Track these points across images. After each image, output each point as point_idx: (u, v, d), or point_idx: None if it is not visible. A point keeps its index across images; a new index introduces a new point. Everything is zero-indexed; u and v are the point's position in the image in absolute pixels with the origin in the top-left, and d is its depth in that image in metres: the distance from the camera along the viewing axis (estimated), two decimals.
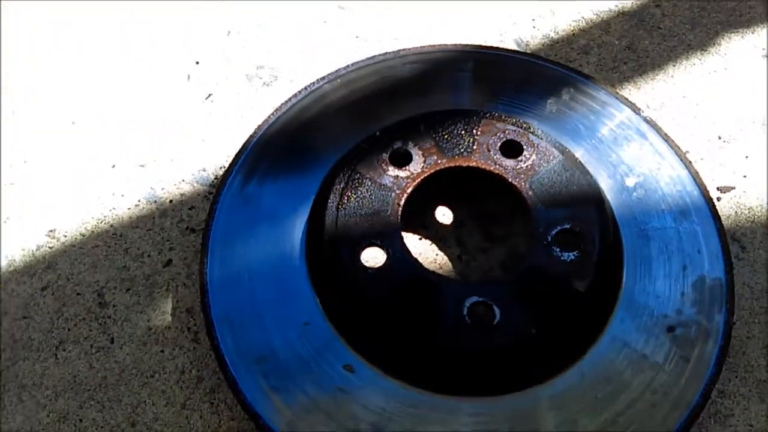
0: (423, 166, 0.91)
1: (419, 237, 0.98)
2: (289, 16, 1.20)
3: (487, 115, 0.94)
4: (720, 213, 0.95)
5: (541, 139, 0.92)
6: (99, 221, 1.01)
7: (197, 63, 1.15)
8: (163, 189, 1.03)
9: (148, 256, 0.98)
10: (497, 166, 0.90)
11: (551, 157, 0.90)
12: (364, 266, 0.84)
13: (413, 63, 1.06)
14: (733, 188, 0.98)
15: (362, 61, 1.07)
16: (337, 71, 1.06)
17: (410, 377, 0.80)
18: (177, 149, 1.06)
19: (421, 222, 0.99)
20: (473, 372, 0.80)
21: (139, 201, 1.02)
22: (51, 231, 1.01)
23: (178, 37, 1.18)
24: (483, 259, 0.95)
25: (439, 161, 0.91)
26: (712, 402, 0.84)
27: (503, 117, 0.94)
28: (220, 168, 1.04)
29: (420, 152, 0.92)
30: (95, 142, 1.07)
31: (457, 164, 0.91)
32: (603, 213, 0.86)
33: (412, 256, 0.85)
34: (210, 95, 1.11)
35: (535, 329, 0.80)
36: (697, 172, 0.93)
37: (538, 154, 0.91)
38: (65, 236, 1.00)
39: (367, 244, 0.86)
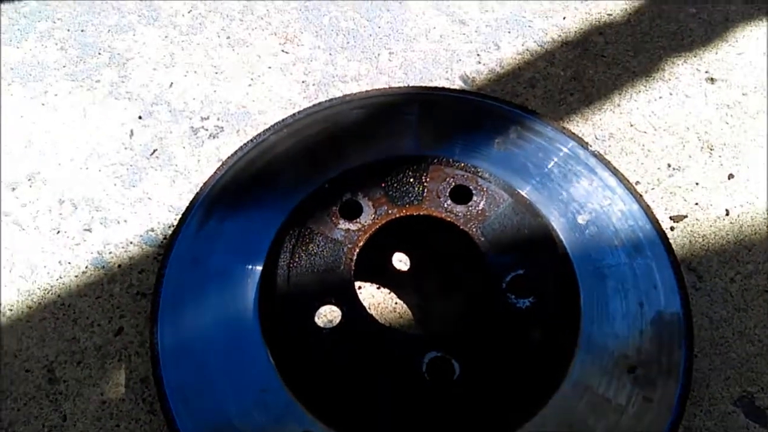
0: (374, 218, 0.90)
1: (377, 286, 0.96)
2: (231, 64, 1.18)
3: (435, 161, 0.94)
4: (674, 243, 0.96)
5: (490, 182, 0.91)
6: (45, 292, 0.97)
7: (140, 118, 1.12)
8: (110, 253, 1.00)
9: (98, 325, 0.95)
10: (448, 213, 0.89)
11: (501, 201, 0.90)
12: (318, 327, 0.82)
13: (360, 108, 1.04)
14: (686, 217, 0.99)
15: (308, 108, 1.06)
16: (283, 120, 1.04)
17: None
18: (123, 210, 1.03)
19: (379, 270, 0.97)
20: (435, 429, 0.78)
21: (86, 268, 0.99)
22: None
23: (117, 91, 1.15)
24: (442, 305, 0.94)
25: (389, 211, 0.90)
26: None
27: (451, 162, 0.94)
28: (169, 227, 1.01)
29: (370, 203, 0.91)
30: (37, 207, 1.04)
31: (408, 213, 0.90)
32: (555, 256, 0.86)
33: (367, 313, 0.83)
34: (155, 151, 1.09)
35: (496, 381, 0.79)
36: (648, 205, 0.93)
37: (487, 199, 0.90)
38: (10, 310, 0.96)
39: (321, 303, 0.84)
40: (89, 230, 1.02)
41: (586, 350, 0.83)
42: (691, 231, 0.98)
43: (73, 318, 0.95)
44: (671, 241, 0.95)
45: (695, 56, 1.16)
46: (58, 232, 1.02)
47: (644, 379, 0.81)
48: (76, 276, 0.98)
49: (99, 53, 1.21)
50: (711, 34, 1.19)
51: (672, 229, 0.98)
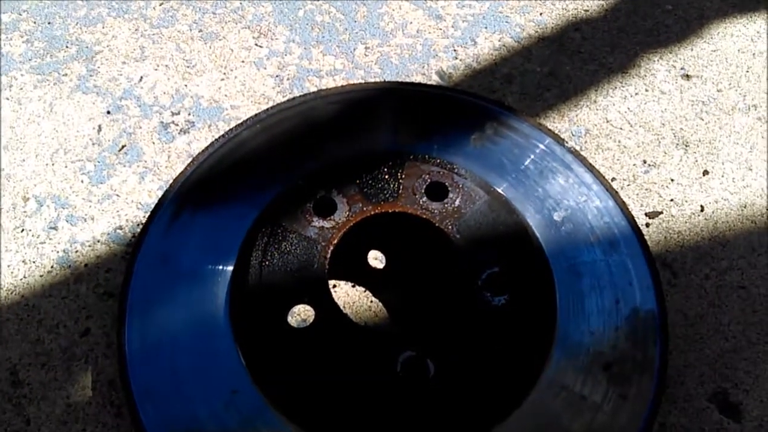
0: (348, 215, 0.88)
1: (352, 285, 0.95)
2: (203, 57, 1.16)
3: (411, 157, 0.92)
4: (649, 239, 0.96)
5: (466, 179, 0.90)
6: (9, 292, 0.94)
7: (108, 113, 1.09)
8: (77, 252, 0.97)
9: (64, 326, 0.92)
10: (423, 210, 0.88)
11: (477, 198, 0.88)
12: (291, 327, 0.80)
13: (335, 103, 1.03)
14: (661, 213, 0.99)
15: (282, 103, 1.04)
16: (256, 115, 1.02)
17: None
18: (90, 207, 1.00)
19: (354, 268, 0.95)
20: (410, 430, 0.77)
21: (52, 267, 0.96)
22: None
23: (85, 85, 1.12)
24: (417, 304, 0.93)
25: (364, 208, 0.88)
26: None
27: (427, 158, 0.92)
28: (138, 225, 0.99)
29: (345, 200, 0.89)
30: (1, 205, 1.01)
31: (383, 210, 0.88)
32: (531, 254, 0.85)
33: (341, 312, 0.81)
34: (123, 146, 1.06)
35: (471, 380, 0.78)
36: (623, 202, 0.93)
37: (463, 196, 0.89)
38: None
39: (294, 302, 0.83)
40: (55, 228, 0.99)
41: (561, 348, 0.82)
42: (666, 227, 0.98)
43: (37, 319, 0.92)
44: (646, 237, 0.95)
45: (671, 52, 1.16)
46: (23, 230, 0.99)
47: (620, 376, 0.81)
48: (41, 276, 0.95)
49: (67, 46, 1.18)
50: (686, 31, 1.19)
51: (647, 225, 0.98)
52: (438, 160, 0.92)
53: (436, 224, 0.87)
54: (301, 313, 0.90)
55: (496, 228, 0.87)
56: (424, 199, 0.89)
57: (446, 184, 0.90)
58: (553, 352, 0.82)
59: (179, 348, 0.83)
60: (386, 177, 0.91)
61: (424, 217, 0.88)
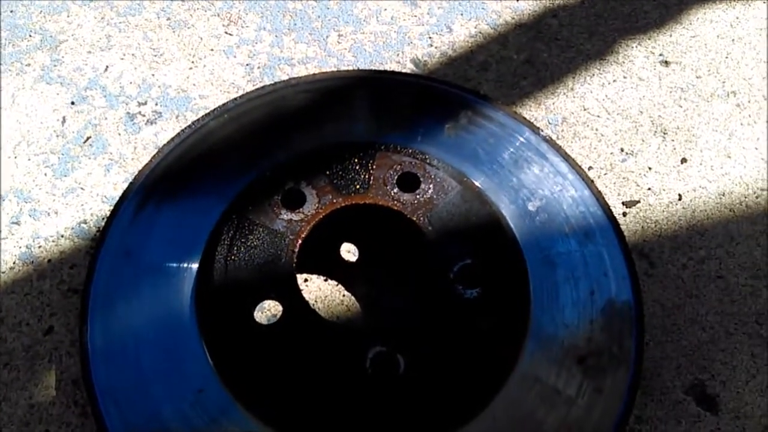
0: (317, 207, 0.86)
1: (324, 278, 0.93)
2: (171, 46, 1.12)
3: (383, 147, 0.90)
4: (626, 229, 0.94)
5: (439, 169, 0.88)
6: None
7: (72, 104, 1.06)
8: (40, 247, 0.94)
9: (27, 324, 0.89)
10: (395, 202, 0.86)
11: (449, 189, 0.86)
12: (258, 323, 0.78)
13: (305, 92, 1.00)
14: (638, 202, 0.97)
15: (252, 92, 1.01)
16: (224, 105, 0.99)
17: None
18: (54, 201, 0.97)
19: (326, 261, 0.93)
20: (380, 427, 0.75)
21: (14, 263, 0.93)
22: None
23: (48, 75, 1.09)
24: (390, 298, 0.91)
25: (334, 200, 0.86)
26: (630, 429, 0.81)
27: (399, 149, 0.90)
28: (103, 219, 0.96)
29: (314, 192, 0.87)
30: None
31: (354, 202, 0.86)
32: (504, 245, 0.83)
33: (309, 307, 0.79)
34: (88, 138, 1.03)
35: (442, 375, 0.76)
36: (599, 191, 0.91)
37: (435, 186, 0.87)
38: None
39: (261, 298, 0.80)
40: (17, 223, 0.96)
41: (536, 341, 0.80)
42: (643, 216, 0.96)
43: None
44: (624, 226, 0.93)
45: (649, 39, 1.14)
46: None
47: (595, 369, 0.79)
48: (3, 272, 0.92)
49: (30, 35, 1.14)
50: (665, 17, 1.17)
51: (624, 214, 0.96)
52: (410, 150, 0.90)
53: (408, 216, 0.85)
54: (271, 309, 0.88)
55: (468, 219, 0.85)
56: (396, 190, 0.87)
57: (418, 174, 0.87)
58: (526, 344, 0.80)
59: (144, 346, 0.81)
60: (357, 168, 0.88)
61: (395, 208, 0.85)
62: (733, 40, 1.14)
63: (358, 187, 0.87)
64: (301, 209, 0.85)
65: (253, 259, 0.82)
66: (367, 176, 0.88)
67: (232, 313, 0.79)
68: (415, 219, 0.84)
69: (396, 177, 0.87)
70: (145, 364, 0.80)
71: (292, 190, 0.87)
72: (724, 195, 0.98)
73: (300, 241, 0.83)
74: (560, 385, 0.78)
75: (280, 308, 0.80)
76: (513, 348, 0.79)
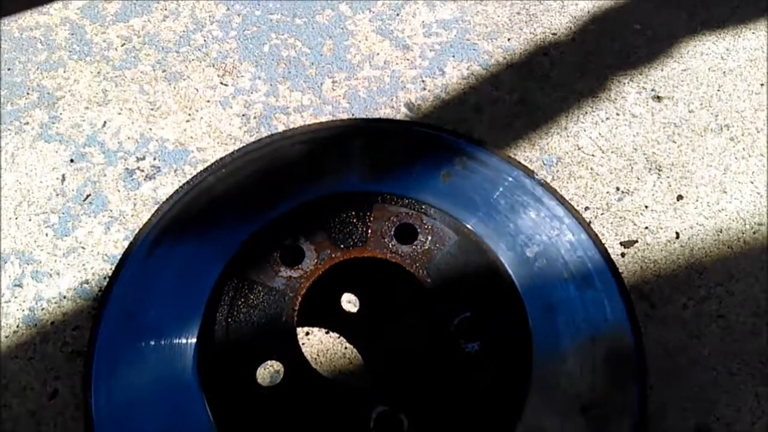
0: (316, 263, 0.86)
1: (326, 331, 0.93)
2: (167, 99, 1.14)
3: (379, 198, 0.90)
4: (625, 270, 0.94)
5: (435, 219, 0.88)
6: None
7: (72, 161, 1.07)
8: (43, 309, 0.95)
9: (32, 389, 0.89)
10: (393, 255, 0.86)
11: (447, 239, 0.87)
12: (260, 385, 0.78)
13: (302, 143, 1.01)
14: (636, 242, 0.97)
15: (248, 145, 1.02)
16: (222, 159, 1.00)
17: None
18: (56, 261, 0.98)
19: (327, 313, 0.93)
20: None
21: (18, 327, 0.94)
22: None
23: (47, 133, 1.10)
24: (392, 349, 0.91)
25: (332, 255, 0.87)
26: None
27: (395, 199, 0.90)
28: (104, 278, 0.96)
29: (312, 247, 0.87)
30: None
31: (352, 256, 0.86)
32: (504, 295, 0.83)
33: (311, 367, 0.79)
34: (88, 196, 1.04)
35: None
36: (596, 234, 0.91)
37: (433, 237, 0.87)
38: None
39: (262, 358, 0.81)
40: (20, 286, 0.97)
41: (539, 391, 0.80)
42: (642, 256, 0.96)
43: (3, 383, 0.89)
44: (622, 267, 0.94)
45: (641, 74, 1.15)
46: None
47: (599, 418, 0.79)
48: (6, 336, 0.93)
49: (27, 93, 1.15)
50: (656, 51, 1.18)
51: (623, 255, 0.96)
52: (407, 201, 0.91)
53: (407, 268, 0.85)
54: (274, 365, 0.88)
55: (467, 269, 0.85)
56: (393, 242, 0.87)
57: (415, 225, 0.88)
58: (530, 395, 0.80)
59: (148, 409, 0.81)
60: (354, 221, 0.89)
61: (394, 261, 0.86)
62: (724, 72, 1.15)
63: (356, 240, 0.88)
64: (299, 265, 0.86)
65: (254, 319, 0.82)
66: (364, 229, 0.88)
67: (234, 375, 0.79)
68: (413, 271, 0.85)
69: (393, 229, 0.88)
70: (149, 428, 0.80)
71: (290, 246, 0.87)
72: (721, 231, 0.98)
73: (300, 299, 0.83)
74: None
75: (282, 368, 0.81)
76: (516, 401, 0.79)
